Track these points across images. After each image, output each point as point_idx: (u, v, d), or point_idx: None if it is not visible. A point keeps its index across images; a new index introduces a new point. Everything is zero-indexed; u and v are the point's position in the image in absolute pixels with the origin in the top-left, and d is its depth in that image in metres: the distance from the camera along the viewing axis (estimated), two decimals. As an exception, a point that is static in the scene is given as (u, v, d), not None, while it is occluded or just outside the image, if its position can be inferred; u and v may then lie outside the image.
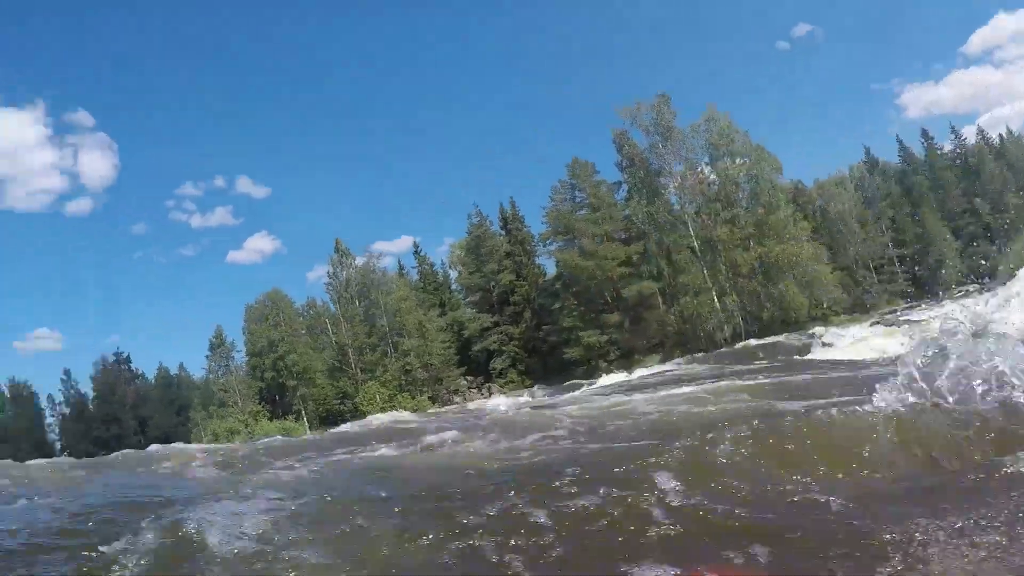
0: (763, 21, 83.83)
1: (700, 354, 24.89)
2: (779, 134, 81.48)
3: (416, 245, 47.65)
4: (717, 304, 32.11)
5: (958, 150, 48.56)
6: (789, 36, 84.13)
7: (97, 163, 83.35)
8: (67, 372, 44.99)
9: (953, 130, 49.39)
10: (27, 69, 76.31)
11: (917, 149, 49.54)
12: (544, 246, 35.78)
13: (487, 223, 38.97)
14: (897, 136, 65.72)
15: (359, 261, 36.80)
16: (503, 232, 38.96)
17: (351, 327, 34.73)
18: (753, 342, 23.27)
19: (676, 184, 33.80)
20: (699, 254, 31.60)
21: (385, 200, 77.81)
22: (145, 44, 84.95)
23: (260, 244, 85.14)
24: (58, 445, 41.31)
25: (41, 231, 74.94)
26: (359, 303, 35.83)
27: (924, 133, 49.39)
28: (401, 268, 42.89)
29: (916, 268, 41.60)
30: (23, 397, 42.03)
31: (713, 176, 32.69)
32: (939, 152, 48.67)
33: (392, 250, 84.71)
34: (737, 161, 32.26)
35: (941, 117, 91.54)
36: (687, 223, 32.02)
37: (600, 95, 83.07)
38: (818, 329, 20.76)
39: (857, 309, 35.03)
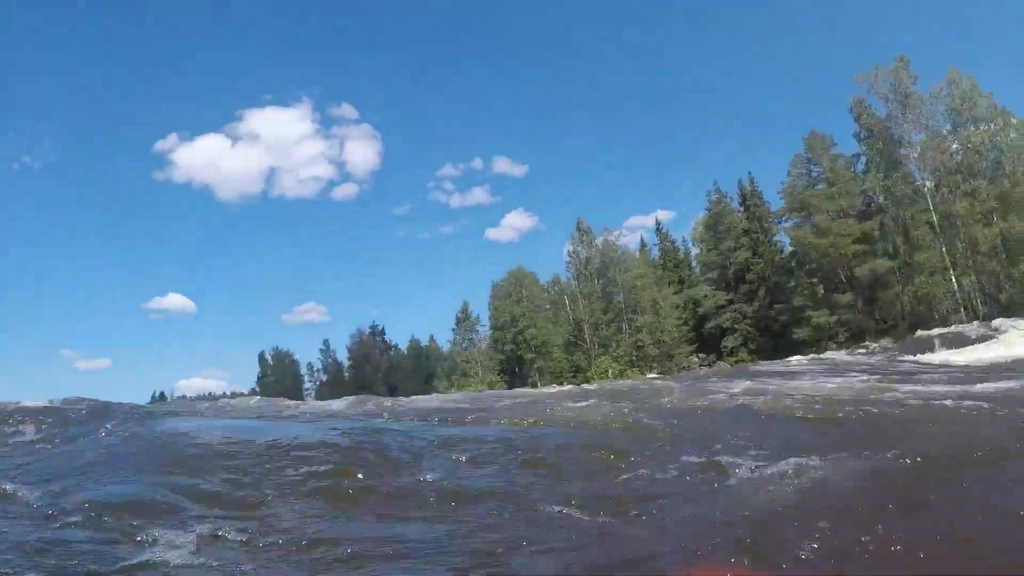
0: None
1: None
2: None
3: (658, 222, 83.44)
4: (954, 284, 54.78)
5: None
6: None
7: (361, 151, 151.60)
8: (326, 342, 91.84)
9: None
10: (293, 70, 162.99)
11: None
12: (780, 223, 67.23)
13: (726, 200, 71.70)
14: None
15: (599, 239, 71.04)
16: (741, 209, 71.37)
17: (588, 303, 67.91)
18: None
19: (916, 155, 57.61)
20: (938, 230, 55.57)
21: (634, 176, 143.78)
22: (400, 35, 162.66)
23: (516, 221, 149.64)
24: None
25: (310, 215, 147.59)
26: (597, 280, 69.23)
27: None
28: (643, 245, 78.62)
29: None
30: (285, 364, 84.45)
31: (956, 145, 56.29)
32: None
33: (648, 224, 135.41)
34: (981, 127, 55.54)
35: None
36: (926, 196, 56.43)
37: (840, 61, 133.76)
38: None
39: None
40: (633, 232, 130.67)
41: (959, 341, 38.62)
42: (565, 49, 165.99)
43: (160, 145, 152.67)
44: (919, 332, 48.01)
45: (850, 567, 4.68)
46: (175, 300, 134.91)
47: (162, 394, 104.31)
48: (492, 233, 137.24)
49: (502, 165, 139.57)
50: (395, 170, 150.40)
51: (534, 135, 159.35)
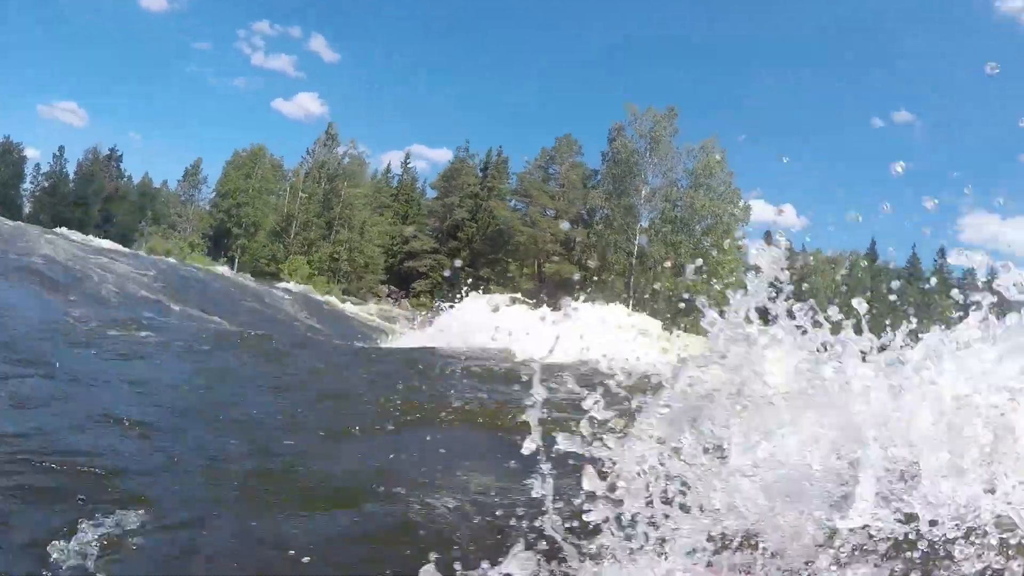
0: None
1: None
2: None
3: (407, 156, 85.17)
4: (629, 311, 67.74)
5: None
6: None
7: None
8: (61, 148, 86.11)
9: None
10: None
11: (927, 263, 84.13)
12: (504, 200, 71.50)
13: (472, 159, 75.75)
14: (914, 245, 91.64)
15: (341, 149, 73.60)
16: (480, 174, 75.50)
17: (307, 203, 71.86)
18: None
19: (645, 194, 67.75)
20: (632, 263, 61.73)
21: (431, 106, 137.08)
22: None
23: (308, 103, 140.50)
24: (26, 209, 78.89)
25: (109, 15, 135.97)
26: (325, 185, 72.09)
27: (942, 251, 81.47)
28: (388, 171, 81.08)
29: None
30: (10, 155, 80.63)
31: (681, 201, 62.22)
32: (945, 276, 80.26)
33: (434, 157, 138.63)
34: (708, 195, 61.12)
35: None
36: (636, 231, 62.67)
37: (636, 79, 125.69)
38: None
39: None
40: (416, 157, 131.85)
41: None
42: None
43: None
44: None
45: None
46: None
47: None
48: (280, 104, 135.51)
49: (318, 44, 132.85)
50: (212, 4, 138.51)
51: (358, 26, 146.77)
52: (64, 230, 38.75)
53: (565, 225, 71.29)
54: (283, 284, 41.68)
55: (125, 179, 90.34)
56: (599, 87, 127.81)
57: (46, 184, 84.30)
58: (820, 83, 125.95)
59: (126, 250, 33.21)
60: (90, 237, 40.46)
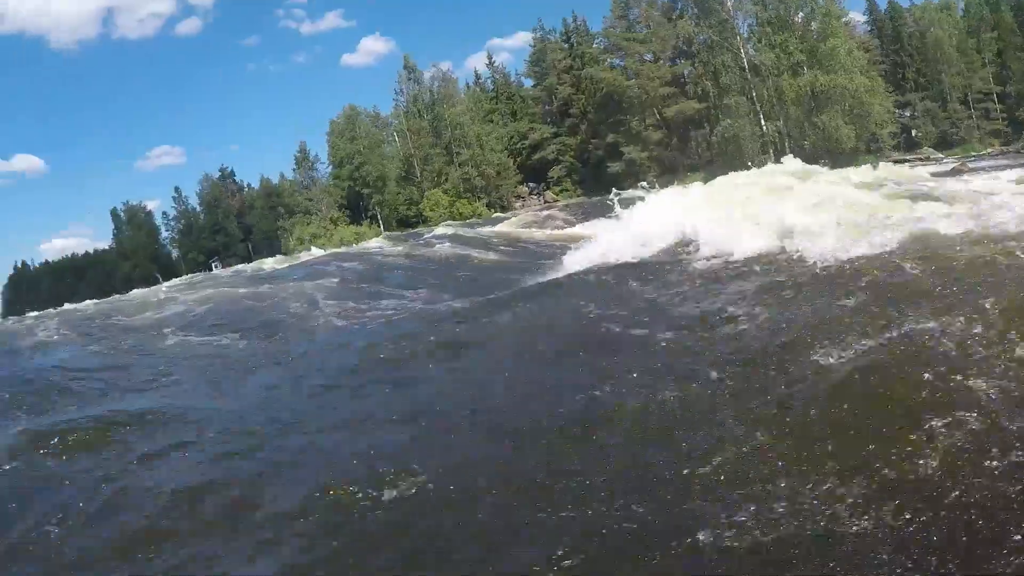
0: None
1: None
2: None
3: (490, 56, 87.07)
4: (762, 128, 59.82)
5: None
6: None
7: None
8: (177, 189, 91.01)
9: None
10: None
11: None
12: (599, 63, 71.04)
13: (551, 35, 75.05)
14: None
15: (428, 74, 73.92)
16: (566, 45, 75.07)
17: (417, 139, 72.39)
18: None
19: (732, 3, 63.92)
20: (748, 77, 59.59)
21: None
22: None
23: (373, 45, 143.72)
24: (174, 254, 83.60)
25: (154, 54, 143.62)
26: (426, 116, 73.00)
27: None
28: (477, 78, 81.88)
29: (1018, 110, 66.40)
30: (139, 217, 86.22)
31: None
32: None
33: (514, 44, 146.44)
34: None
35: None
36: (738, 45, 60.87)
37: None
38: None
39: (943, 144, 62.34)
40: (496, 52, 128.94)
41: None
42: None
43: None
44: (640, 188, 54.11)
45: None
46: (21, 161, 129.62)
47: (24, 264, 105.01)
48: (348, 59, 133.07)
49: None
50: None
51: None
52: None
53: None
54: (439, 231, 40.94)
55: (247, 189, 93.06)
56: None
57: (180, 226, 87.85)
58: None
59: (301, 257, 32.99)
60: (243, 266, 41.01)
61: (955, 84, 68.42)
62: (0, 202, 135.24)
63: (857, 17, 61.22)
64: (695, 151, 65.75)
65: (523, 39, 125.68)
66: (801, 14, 59.22)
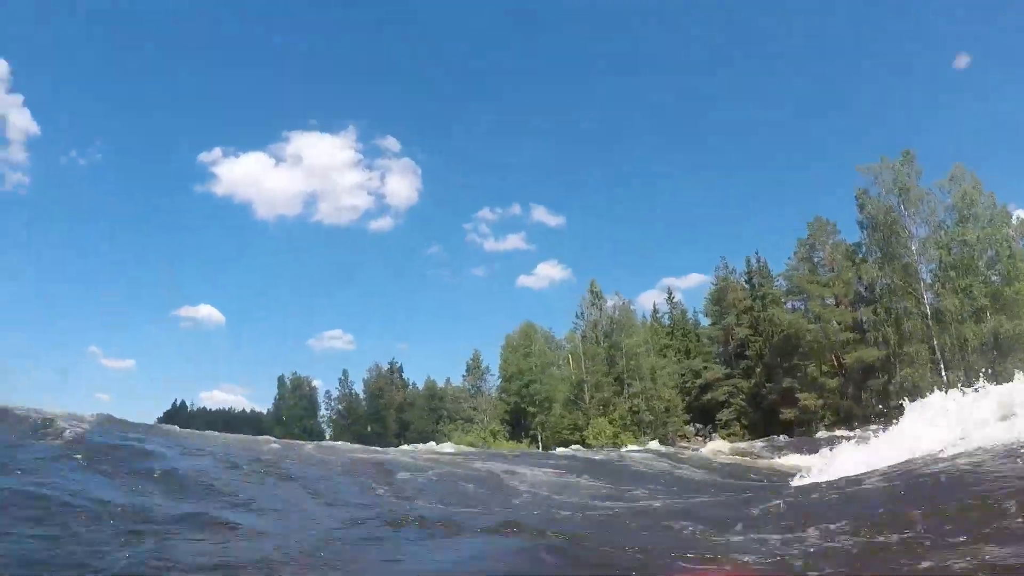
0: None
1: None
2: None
3: (670, 291, 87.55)
4: (943, 377, 62.25)
5: None
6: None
7: (401, 185, 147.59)
8: (345, 372, 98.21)
9: None
10: (340, 95, 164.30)
11: None
12: (780, 304, 70.57)
13: (732, 275, 75.30)
14: None
15: (610, 303, 75.11)
16: (747, 286, 75.31)
17: (592, 364, 72.03)
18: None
19: (915, 247, 61.57)
20: (930, 323, 58.14)
21: (665, 239, 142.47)
22: (450, 72, 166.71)
23: (549, 271, 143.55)
24: (327, 434, 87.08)
25: (345, 244, 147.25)
26: (603, 342, 73.61)
27: None
28: (655, 311, 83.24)
29: None
30: (304, 390, 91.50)
31: (954, 241, 58.69)
32: None
33: (681, 285, 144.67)
34: (979, 225, 57.87)
35: None
36: (921, 290, 59.44)
37: (850, 147, 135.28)
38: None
39: None
40: (664, 292, 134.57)
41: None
42: (604, 104, 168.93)
43: (204, 157, 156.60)
44: (838, 431, 51.46)
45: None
46: (205, 311, 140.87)
47: (183, 403, 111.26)
48: (524, 280, 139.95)
49: (540, 213, 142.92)
50: (432, 208, 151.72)
51: (574, 188, 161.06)
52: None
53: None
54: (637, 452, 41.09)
55: (411, 387, 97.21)
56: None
57: (340, 408, 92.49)
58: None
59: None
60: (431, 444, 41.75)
61: None
62: (175, 342, 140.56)
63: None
64: (870, 400, 62.51)
65: (696, 280, 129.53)
66: (984, 257, 58.23)
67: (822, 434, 53.56)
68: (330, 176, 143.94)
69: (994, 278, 57.30)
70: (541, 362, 74.56)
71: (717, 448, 43.54)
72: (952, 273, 57.69)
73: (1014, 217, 58.94)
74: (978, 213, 58.39)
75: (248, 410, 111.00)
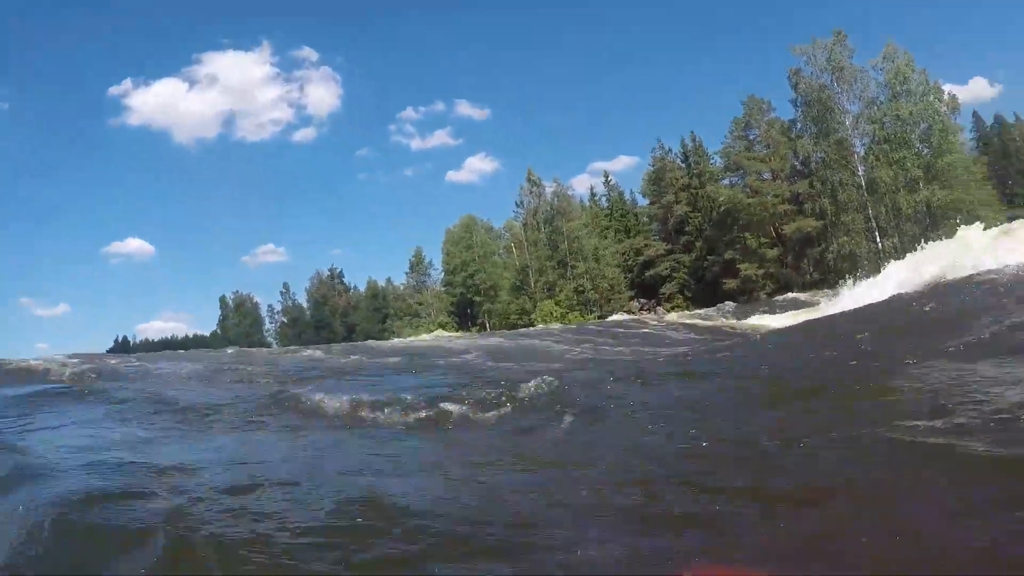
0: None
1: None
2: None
3: (607, 174, 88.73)
4: (878, 244, 65.74)
5: None
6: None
7: (321, 94, 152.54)
8: (286, 285, 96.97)
9: None
10: (251, 12, 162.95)
11: None
12: (718, 181, 71.67)
13: (669, 156, 76.11)
14: None
15: (548, 189, 75.50)
16: (684, 165, 76.44)
17: (535, 250, 73.13)
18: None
19: (849, 123, 67.22)
20: (865, 195, 60.79)
21: (595, 123, 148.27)
22: None
23: (478, 164, 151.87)
24: (274, 346, 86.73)
25: (269, 158, 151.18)
26: (544, 228, 74.24)
27: None
28: (592, 195, 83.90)
29: None
30: (246, 307, 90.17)
31: (887, 116, 61.22)
32: None
33: (611, 168, 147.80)
34: (912, 101, 60.35)
35: None
36: (855, 163, 62.53)
37: (785, 29, 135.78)
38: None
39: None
40: (597, 176, 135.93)
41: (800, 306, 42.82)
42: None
43: (114, 90, 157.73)
44: (779, 296, 56.94)
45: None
46: (134, 244, 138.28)
47: (124, 339, 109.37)
48: (453, 176, 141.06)
49: (464, 108, 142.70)
50: (356, 113, 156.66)
51: (496, 79, 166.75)
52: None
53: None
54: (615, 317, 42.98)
55: (353, 290, 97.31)
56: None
57: (284, 320, 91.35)
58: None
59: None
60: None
61: None
62: (107, 280, 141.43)
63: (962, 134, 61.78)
64: (809, 268, 65.21)
65: (625, 162, 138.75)
66: (917, 131, 60.05)
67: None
68: (248, 93, 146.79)
69: (926, 151, 59.18)
70: (483, 252, 75.32)
71: (675, 318, 45.24)
72: (886, 146, 59.74)
73: (946, 93, 60.73)
74: (911, 89, 59.98)
75: (191, 335, 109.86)
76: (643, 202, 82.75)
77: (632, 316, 56.25)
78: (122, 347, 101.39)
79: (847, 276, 54.94)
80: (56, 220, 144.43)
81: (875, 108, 61.76)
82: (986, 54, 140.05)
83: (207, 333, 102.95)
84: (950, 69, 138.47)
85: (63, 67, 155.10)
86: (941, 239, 52.85)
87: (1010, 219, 61.54)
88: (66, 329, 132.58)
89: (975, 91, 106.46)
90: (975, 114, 79.58)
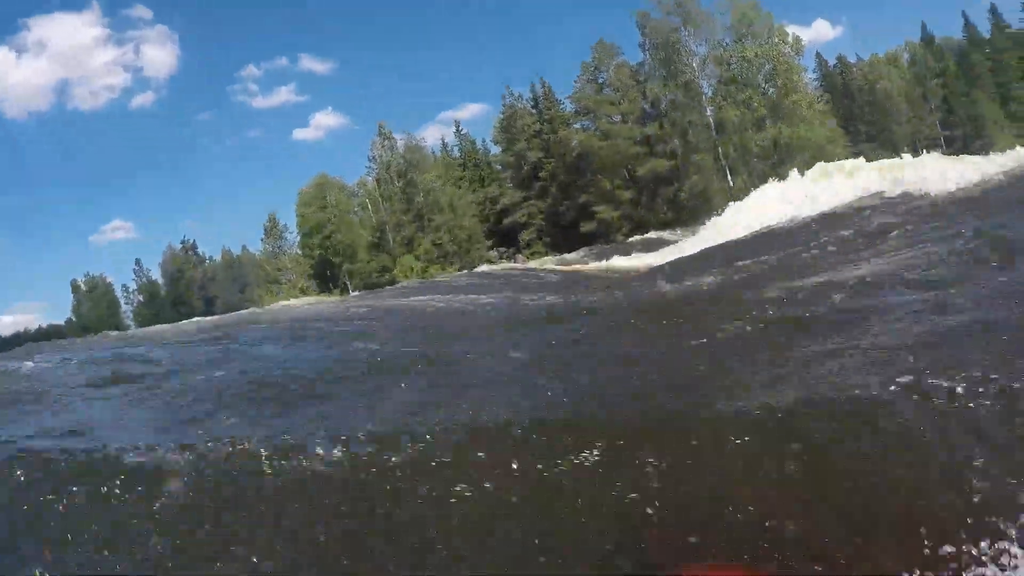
0: None
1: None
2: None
3: (457, 124, 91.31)
4: (729, 182, 67.76)
5: (1028, 30, 79.36)
6: None
7: (158, 56, 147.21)
8: (138, 262, 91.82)
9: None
10: None
11: (983, 27, 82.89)
12: (571, 125, 72.21)
13: (519, 102, 75.98)
14: (963, 12, 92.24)
15: (400, 142, 74.37)
16: (535, 111, 76.36)
17: (390, 205, 72.96)
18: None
19: (696, 64, 68.95)
20: (714, 134, 62.93)
21: (443, 72, 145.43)
22: None
23: (325, 120, 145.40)
24: (133, 327, 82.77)
25: (108, 127, 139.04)
26: (398, 182, 73.45)
27: (993, 9, 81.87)
28: (444, 146, 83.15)
29: (966, 151, 69.10)
30: (99, 290, 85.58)
31: (733, 57, 62.60)
32: (1006, 30, 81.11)
33: (460, 116, 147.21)
34: (757, 42, 61.58)
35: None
36: (703, 103, 65.59)
37: None
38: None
39: (897, 191, 72.87)
40: (447, 126, 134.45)
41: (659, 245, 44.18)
42: None
43: None
44: (636, 237, 59.03)
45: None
46: None
47: None
48: (300, 134, 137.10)
49: (308, 63, 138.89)
50: (194, 74, 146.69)
51: (339, 29, 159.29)
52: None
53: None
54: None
55: (208, 261, 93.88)
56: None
57: (141, 298, 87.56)
58: None
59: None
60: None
61: (904, 133, 73.56)
62: None
63: (806, 74, 64.41)
64: (663, 207, 66.59)
65: (474, 110, 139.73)
66: (763, 72, 61.97)
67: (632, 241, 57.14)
68: (79, 59, 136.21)
69: (771, 91, 61.02)
70: (339, 211, 73.69)
71: (536, 265, 45.96)
72: (732, 87, 61.75)
73: (790, 35, 62.57)
74: (756, 31, 61.84)
75: (45, 325, 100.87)
76: (495, 150, 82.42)
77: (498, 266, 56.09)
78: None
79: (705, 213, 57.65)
80: None
81: (722, 50, 63.29)
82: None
83: (62, 322, 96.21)
84: (794, 12, 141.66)
85: None
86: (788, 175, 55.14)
87: (855, 155, 65.23)
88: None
89: (818, 32, 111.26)
90: (818, 55, 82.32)
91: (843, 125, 71.47)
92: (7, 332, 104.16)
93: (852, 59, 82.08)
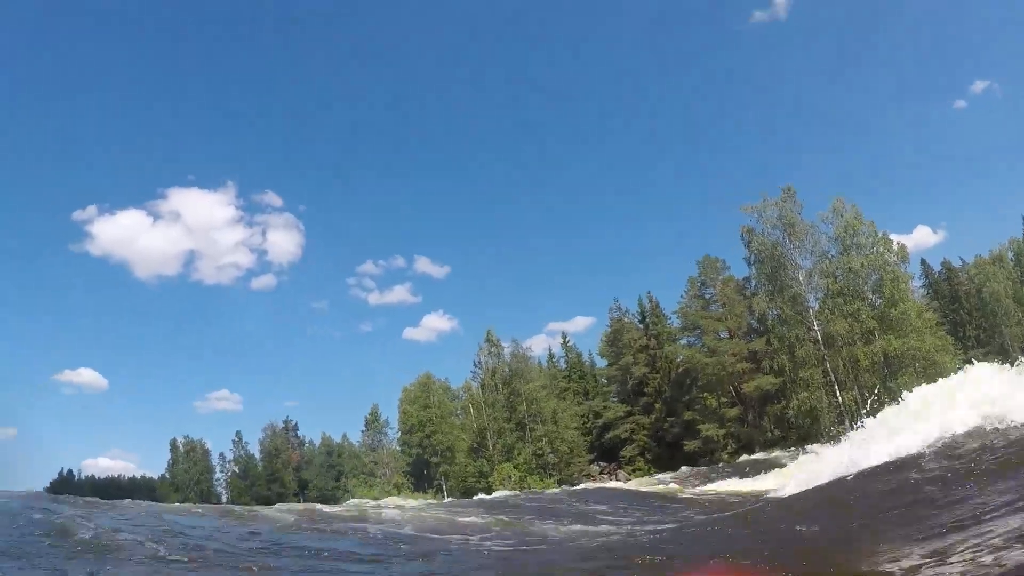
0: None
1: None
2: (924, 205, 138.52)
3: (564, 336, 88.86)
4: (838, 398, 66.18)
5: None
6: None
7: (282, 241, 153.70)
8: (238, 434, 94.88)
9: None
10: (219, 153, 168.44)
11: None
12: (676, 341, 72.33)
13: (626, 316, 76.96)
14: None
15: (507, 350, 75.16)
16: (641, 325, 77.04)
17: (492, 412, 72.41)
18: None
19: (802, 278, 69.03)
20: (822, 349, 61.51)
21: (553, 284, 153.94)
22: (331, 128, 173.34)
23: (435, 322, 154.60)
24: (224, 497, 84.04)
25: (228, 302, 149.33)
26: (502, 389, 73.81)
27: None
28: (551, 356, 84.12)
29: None
30: (197, 453, 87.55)
31: (839, 269, 66.16)
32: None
33: (567, 329, 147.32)
34: (861, 254, 61.69)
35: None
36: (811, 317, 66.21)
37: (739, 186, 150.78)
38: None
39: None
40: (553, 336, 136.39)
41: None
42: (488, 160, 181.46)
43: (78, 215, 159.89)
44: (743, 456, 56.85)
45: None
46: (86, 375, 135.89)
47: (69, 472, 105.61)
48: (410, 333, 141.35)
49: (424, 265, 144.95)
50: (316, 263, 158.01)
51: (457, 238, 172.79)
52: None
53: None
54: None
55: (307, 445, 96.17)
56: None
57: (236, 469, 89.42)
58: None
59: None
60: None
61: (1015, 335, 71.41)
62: (57, 409, 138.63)
63: (913, 281, 63.53)
64: (770, 425, 64.81)
65: (582, 323, 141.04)
66: (870, 282, 60.76)
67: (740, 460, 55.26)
68: (210, 234, 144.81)
69: (879, 301, 59.92)
70: (441, 412, 74.20)
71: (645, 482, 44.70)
72: (839, 299, 60.05)
73: (894, 243, 61.94)
74: (860, 242, 60.90)
75: (140, 476, 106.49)
76: (601, 363, 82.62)
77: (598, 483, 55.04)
78: (64, 482, 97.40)
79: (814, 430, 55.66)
80: (10, 341, 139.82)
81: (827, 262, 62.34)
82: (927, 204, 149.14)
83: (155, 475, 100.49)
84: (896, 221, 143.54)
85: (28, 186, 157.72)
86: (898, 389, 53.27)
87: (967, 362, 62.77)
88: (11, 453, 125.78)
89: (920, 239, 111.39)
90: (923, 261, 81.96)
91: (952, 331, 69.66)
92: (102, 473, 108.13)
93: (956, 262, 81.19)
